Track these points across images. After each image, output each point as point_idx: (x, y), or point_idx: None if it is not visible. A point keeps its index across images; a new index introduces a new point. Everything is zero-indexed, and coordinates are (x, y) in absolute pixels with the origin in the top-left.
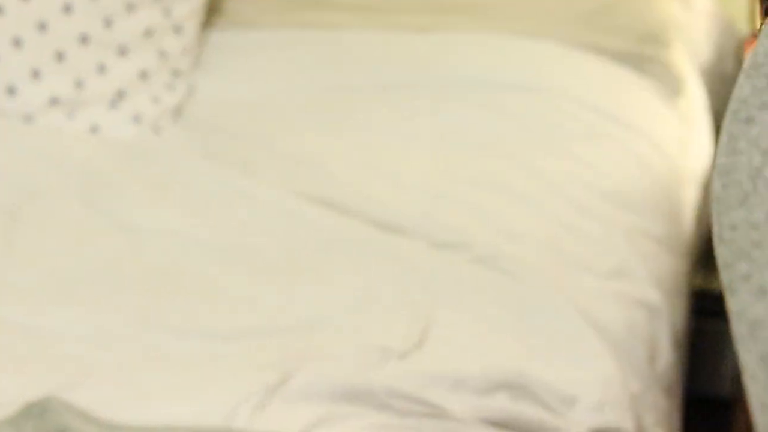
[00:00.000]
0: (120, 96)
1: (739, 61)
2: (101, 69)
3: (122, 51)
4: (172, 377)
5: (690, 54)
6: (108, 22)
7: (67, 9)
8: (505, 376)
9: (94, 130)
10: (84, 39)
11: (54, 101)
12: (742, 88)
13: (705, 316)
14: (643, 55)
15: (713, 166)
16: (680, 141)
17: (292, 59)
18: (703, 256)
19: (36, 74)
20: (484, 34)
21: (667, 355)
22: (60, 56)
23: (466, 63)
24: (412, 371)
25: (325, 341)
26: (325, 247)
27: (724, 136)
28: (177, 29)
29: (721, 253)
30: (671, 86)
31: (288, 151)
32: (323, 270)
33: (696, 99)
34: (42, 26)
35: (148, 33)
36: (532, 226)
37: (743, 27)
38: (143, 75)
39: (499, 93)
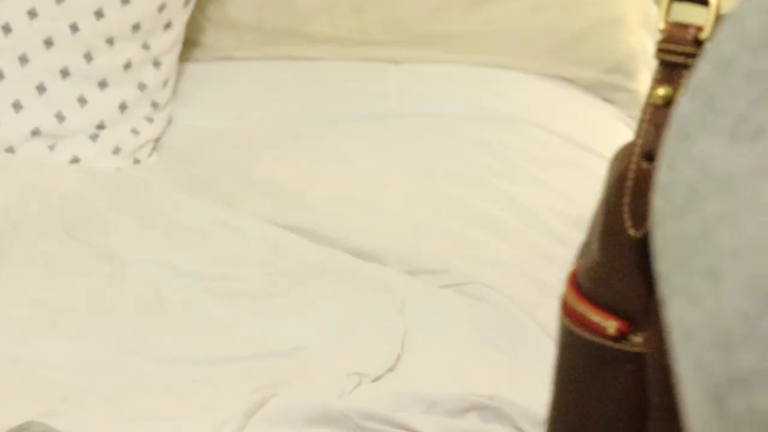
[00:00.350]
0: (100, 128)
1: None
2: (82, 101)
3: (102, 84)
4: (155, 404)
5: None
6: (88, 56)
7: (48, 43)
8: (477, 398)
9: (74, 161)
10: (65, 72)
11: (35, 133)
12: (683, 106)
13: None
14: (611, 84)
15: (655, 183)
16: None
17: (269, 91)
18: None
19: (17, 106)
20: (456, 66)
21: None
22: (41, 89)
23: (438, 93)
24: (386, 394)
25: (304, 367)
26: (304, 275)
27: (665, 153)
28: (156, 62)
29: (659, 266)
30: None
31: (266, 181)
32: (302, 298)
33: None
34: (23, 59)
35: (128, 66)
36: (505, 253)
37: None
38: (123, 107)
39: (471, 123)
